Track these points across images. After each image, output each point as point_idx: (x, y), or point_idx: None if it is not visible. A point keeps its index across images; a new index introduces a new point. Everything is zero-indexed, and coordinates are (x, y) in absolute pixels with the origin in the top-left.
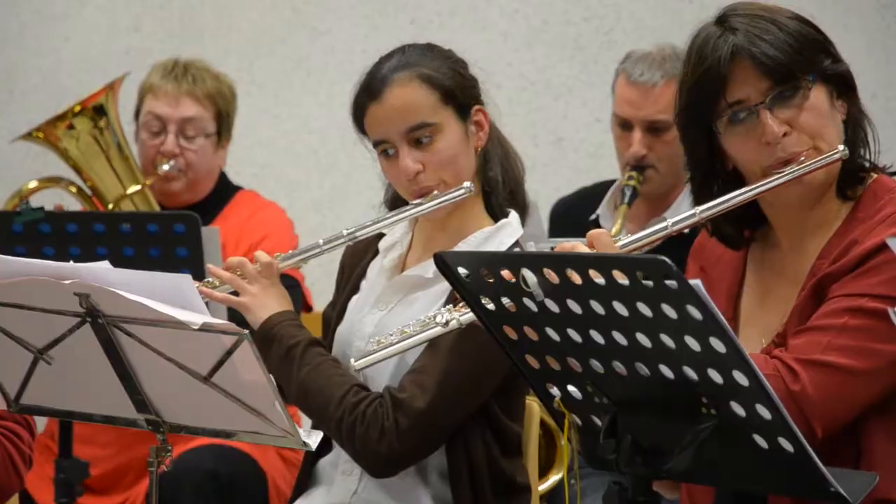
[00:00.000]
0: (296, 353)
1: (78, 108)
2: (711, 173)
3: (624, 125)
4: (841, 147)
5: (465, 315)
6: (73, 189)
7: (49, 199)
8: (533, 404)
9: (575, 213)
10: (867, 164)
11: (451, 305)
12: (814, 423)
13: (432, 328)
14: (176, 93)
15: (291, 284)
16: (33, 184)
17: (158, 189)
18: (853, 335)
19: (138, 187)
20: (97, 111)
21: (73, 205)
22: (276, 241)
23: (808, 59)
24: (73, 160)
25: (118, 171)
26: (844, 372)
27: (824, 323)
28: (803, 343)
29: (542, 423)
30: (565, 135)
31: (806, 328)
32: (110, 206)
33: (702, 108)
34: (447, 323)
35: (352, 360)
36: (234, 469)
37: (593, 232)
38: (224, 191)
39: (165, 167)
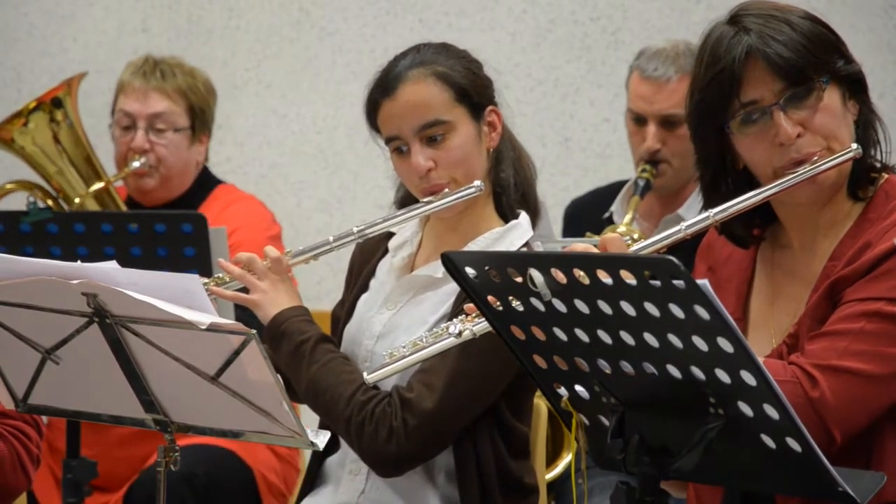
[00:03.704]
0: (305, 349)
1: (34, 105)
2: (721, 173)
3: (638, 120)
4: (854, 146)
5: (477, 325)
6: (50, 202)
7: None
8: (541, 404)
9: (589, 213)
10: (878, 165)
11: (463, 316)
12: (833, 429)
13: (445, 339)
14: (144, 88)
15: None
16: (10, 185)
17: (133, 186)
18: (870, 340)
19: (101, 184)
20: (54, 104)
21: None
22: (246, 234)
23: (822, 60)
24: (31, 157)
25: (80, 169)
26: (863, 377)
27: (841, 328)
28: (820, 348)
29: (550, 412)
30: (573, 135)
31: (822, 333)
32: (77, 201)
33: (714, 108)
34: (460, 333)
35: (364, 374)
36: (212, 469)
37: (606, 237)
38: (203, 186)
39: (135, 164)
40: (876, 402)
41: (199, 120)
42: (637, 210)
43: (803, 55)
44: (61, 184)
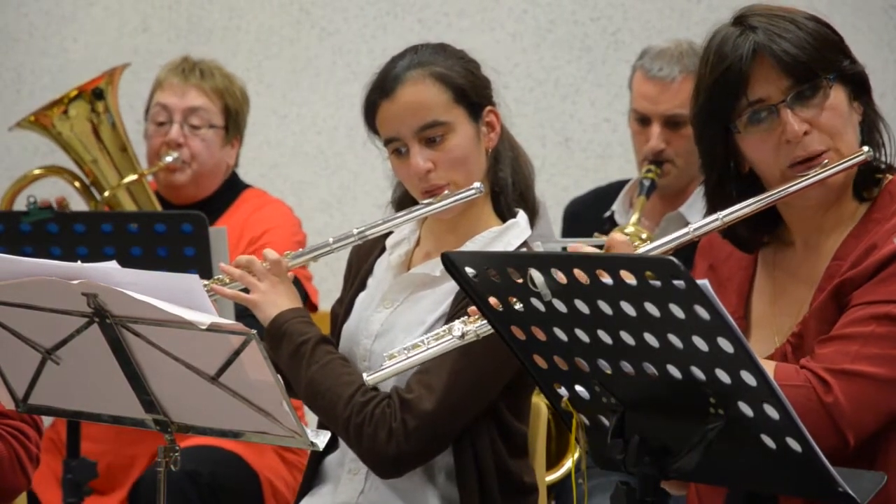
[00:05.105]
0: (305, 350)
1: (75, 93)
2: (726, 175)
3: (642, 120)
4: (865, 149)
5: (481, 327)
6: (78, 184)
7: (52, 189)
8: (540, 404)
9: (589, 213)
10: (883, 166)
11: (465, 317)
12: (846, 433)
13: (447, 340)
14: (183, 84)
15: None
16: (38, 171)
17: (164, 182)
18: (881, 343)
19: (135, 177)
20: (95, 95)
21: (74, 196)
22: (277, 237)
23: (828, 59)
24: (67, 143)
25: (115, 160)
26: (875, 381)
27: (851, 331)
28: (832, 352)
29: (551, 413)
30: (573, 135)
31: (833, 337)
32: (106, 194)
33: (721, 107)
34: (463, 335)
35: (364, 376)
36: (217, 469)
37: (613, 239)
38: (232, 189)
39: (168, 158)
40: (888, 404)
41: (233, 122)
42: (643, 211)
43: (810, 53)
44: (95, 173)
